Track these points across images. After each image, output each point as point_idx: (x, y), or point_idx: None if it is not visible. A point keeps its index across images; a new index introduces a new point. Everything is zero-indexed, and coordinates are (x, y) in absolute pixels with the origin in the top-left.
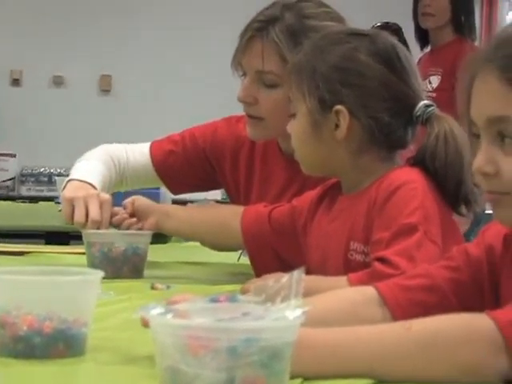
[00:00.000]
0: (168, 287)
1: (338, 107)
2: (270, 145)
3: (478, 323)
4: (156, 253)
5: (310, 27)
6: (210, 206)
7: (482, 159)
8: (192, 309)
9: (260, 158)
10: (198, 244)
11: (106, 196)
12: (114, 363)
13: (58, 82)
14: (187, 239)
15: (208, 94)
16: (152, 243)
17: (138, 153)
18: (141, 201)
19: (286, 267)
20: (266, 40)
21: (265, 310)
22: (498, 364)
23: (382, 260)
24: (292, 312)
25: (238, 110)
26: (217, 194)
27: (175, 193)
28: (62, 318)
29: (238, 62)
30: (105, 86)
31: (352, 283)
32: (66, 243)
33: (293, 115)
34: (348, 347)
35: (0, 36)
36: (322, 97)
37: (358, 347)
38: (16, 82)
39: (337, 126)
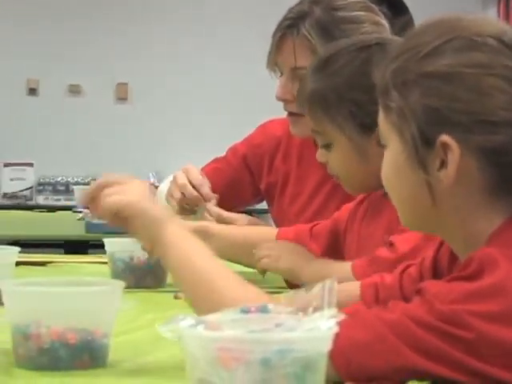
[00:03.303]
0: None
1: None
2: (306, 142)
3: None
4: None
5: (340, 18)
6: (247, 227)
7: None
8: (223, 320)
9: (296, 156)
10: None
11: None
12: (136, 375)
13: (74, 90)
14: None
15: (223, 100)
16: None
17: None
18: None
19: None
20: (296, 37)
21: (297, 321)
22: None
23: (390, 243)
24: (325, 322)
25: (252, 117)
26: None
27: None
28: (86, 329)
29: (273, 62)
30: (121, 94)
31: (354, 267)
32: (85, 252)
33: (324, 146)
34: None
35: (16, 46)
36: (362, 122)
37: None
38: (33, 92)
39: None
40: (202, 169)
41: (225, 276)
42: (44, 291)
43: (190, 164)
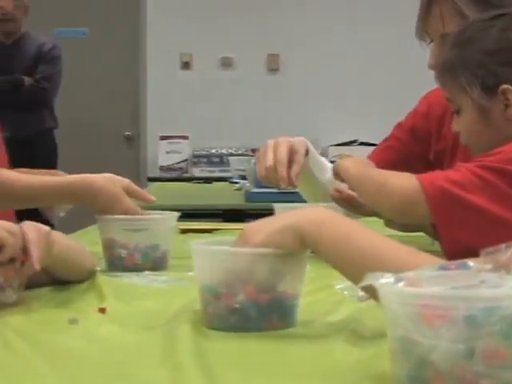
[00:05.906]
0: None
1: (504, 87)
2: None
3: None
4: None
5: None
6: None
7: None
8: (422, 277)
9: None
10: None
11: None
12: (324, 336)
13: (226, 63)
14: None
15: (375, 74)
16: None
17: None
18: None
19: None
20: (443, 2)
21: (500, 278)
22: None
23: None
24: None
25: (402, 93)
26: None
27: None
28: (276, 290)
29: (421, 30)
30: (273, 65)
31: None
32: (242, 221)
33: (455, 112)
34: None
35: (170, 21)
36: (485, 83)
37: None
38: (186, 66)
39: (506, 105)
40: (373, 151)
41: (392, 247)
42: (237, 251)
43: (299, 137)
